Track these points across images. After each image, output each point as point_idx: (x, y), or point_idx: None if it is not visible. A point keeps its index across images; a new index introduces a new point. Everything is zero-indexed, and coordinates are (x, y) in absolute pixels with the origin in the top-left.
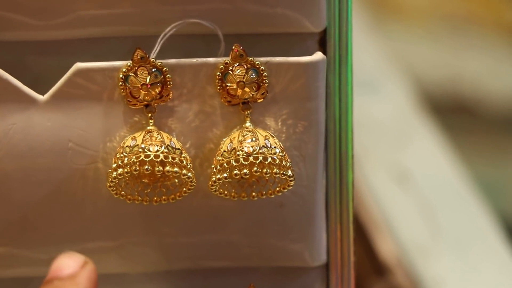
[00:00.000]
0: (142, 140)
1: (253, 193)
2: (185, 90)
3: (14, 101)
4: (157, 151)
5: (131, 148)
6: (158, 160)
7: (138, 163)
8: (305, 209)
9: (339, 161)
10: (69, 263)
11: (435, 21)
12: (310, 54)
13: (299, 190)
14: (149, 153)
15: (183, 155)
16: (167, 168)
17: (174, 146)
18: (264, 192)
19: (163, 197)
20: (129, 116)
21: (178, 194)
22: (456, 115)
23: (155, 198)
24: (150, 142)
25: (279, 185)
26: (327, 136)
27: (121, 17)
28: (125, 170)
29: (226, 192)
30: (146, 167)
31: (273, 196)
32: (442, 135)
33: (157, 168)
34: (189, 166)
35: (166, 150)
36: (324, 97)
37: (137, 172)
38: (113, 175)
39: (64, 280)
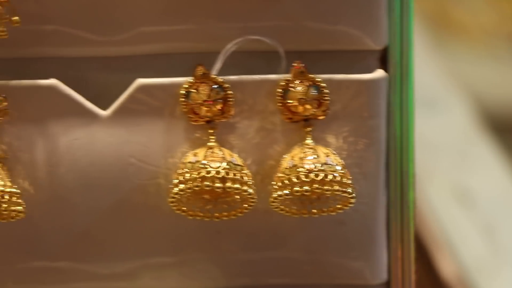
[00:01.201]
0: (204, 156)
1: (314, 210)
2: (246, 107)
3: (76, 116)
4: (218, 167)
5: (192, 164)
6: (219, 176)
7: (199, 179)
8: (366, 226)
9: (400, 180)
10: None
11: (498, 41)
12: (371, 71)
13: (359, 207)
14: (210, 169)
15: (244, 172)
16: (228, 184)
17: (235, 163)
18: (324, 210)
19: (224, 214)
20: (191, 132)
21: (239, 210)
22: None
23: (216, 214)
24: (211, 158)
25: (339, 202)
26: (389, 154)
27: (183, 34)
28: (187, 186)
29: (286, 209)
30: (207, 183)
31: (333, 213)
32: (503, 155)
33: (218, 185)
34: (250, 183)
35: (227, 167)
36: (385, 115)
37: (199, 188)
38: (175, 191)
39: None
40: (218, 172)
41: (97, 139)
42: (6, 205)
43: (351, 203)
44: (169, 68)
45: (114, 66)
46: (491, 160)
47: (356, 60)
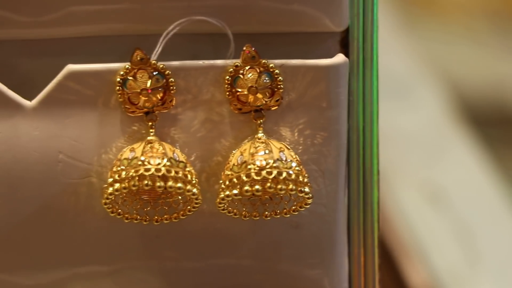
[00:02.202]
0: (142, 151)
1: (266, 212)
2: (190, 96)
3: None
4: (159, 164)
5: (129, 161)
6: (160, 174)
7: (137, 178)
8: (324, 230)
9: (362, 177)
10: None
11: (475, 19)
12: (331, 56)
13: (317, 209)
14: (149, 166)
15: (187, 169)
16: (170, 183)
17: (177, 159)
18: (278, 211)
19: (165, 216)
20: (127, 124)
21: (181, 212)
22: (498, 127)
23: (156, 217)
24: (150, 154)
25: (295, 203)
26: (350, 149)
27: (119, 14)
28: (123, 185)
29: (235, 211)
30: (146, 182)
31: (288, 215)
32: (481, 149)
33: (158, 184)
34: (194, 182)
35: (168, 164)
36: (346, 105)
37: (136, 187)
38: (109, 191)
39: None
40: (158, 170)
41: (21, 133)
42: None
43: (307, 204)
44: (103, 52)
45: (41, 51)
46: (467, 155)
47: (314, 43)
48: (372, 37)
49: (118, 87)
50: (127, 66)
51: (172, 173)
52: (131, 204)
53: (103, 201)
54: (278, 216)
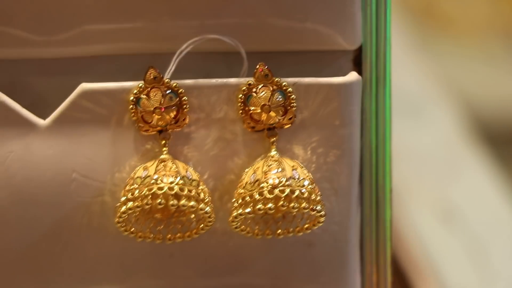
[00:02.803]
0: (155, 170)
1: (279, 231)
2: (203, 115)
3: (11, 126)
4: (172, 182)
5: (142, 179)
6: (173, 193)
7: (150, 196)
8: (337, 249)
9: (375, 196)
10: None
11: (489, 38)
12: (344, 74)
13: (330, 227)
14: (162, 185)
15: (200, 188)
16: (183, 202)
17: (190, 178)
18: (291, 230)
19: (178, 235)
20: (141, 143)
21: (194, 231)
22: (508, 146)
23: (169, 236)
24: (163, 173)
25: (307, 221)
26: (363, 167)
27: (132, 33)
28: (136, 204)
29: (248, 229)
30: (160, 200)
31: (301, 234)
32: (496, 168)
33: (171, 202)
34: (207, 200)
35: (181, 182)
36: (359, 123)
37: (149, 206)
38: (122, 210)
39: None
40: (171, 188)
41: (34, 151)
42: None
43: (320, 222)
44: (117, 71)
45: (54, 70)
46: (481, 173)
47: (327, 61)
48: (385, 55)
49: (131, 106)
50: (140, 84)
51: (185, 192)
52: (144, 223)
53: (116, 219)
54: (291, 235)
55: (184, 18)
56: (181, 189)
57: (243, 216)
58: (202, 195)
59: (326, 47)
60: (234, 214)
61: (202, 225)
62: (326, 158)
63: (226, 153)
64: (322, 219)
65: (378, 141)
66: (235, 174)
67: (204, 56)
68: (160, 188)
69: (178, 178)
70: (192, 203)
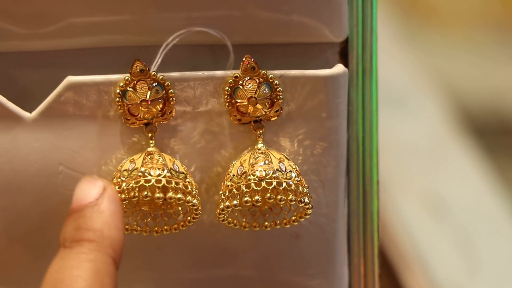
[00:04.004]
0: (142, 163)
1: (266, 223)
2: (190, 107)
3: None
4: (159, 175)
5: (129, 172)
6: (160, 185)
7: (137, 189)
8: (324, 240)
9: (362, 187)
10: (90, 191)
11: (476, 29)
12: (330, 66)
13: (317, 219)
14: (149, 177)
15: (187, 180)
16: (170, 194)
17: (177, 170)
18: (278, 222)
19: (165, 227)
20: (127, 136)
21: (181, 223)
22: (498, 137)
23: (156, 228)
24: (151, 165)
25: (295, 213)
26: (349, 159)
27: (118, 25)
28: (123, 196)
29: (235, 222)
30: (146, 193)
31: (288, 226)
32: (482, 159)
33: (158, 195)
34: (194, 192)
35: (168, 174)
36: (345, 115)
37: (136, 199)
38: None
39: (88, 209)
40: (158, 181)
41: (21, 144)
42: None
43: (307, 214)
44: (103, 64)
45: (40, 62)
46: (468, 164)
47: (313, 53)
48: (372, 47)
49: (117, 99)
50: (126, 77)
51: (172, 184)
52: (131, 215)
53: None
54: (278, 227)
55: (170, 10)
56: (168, 182)
57: (230, 209)
58: (189, 188)
59: (313, 39)
60: (221, 206)
61: (189, 217)
62: (313, 150)
63: (212, 146)
64: (309, 211)
65: (365, 133)
66: (222, 167)
67: (191, 49)
68: (148, 181)
69: (165, 170)
70: (179, 195)
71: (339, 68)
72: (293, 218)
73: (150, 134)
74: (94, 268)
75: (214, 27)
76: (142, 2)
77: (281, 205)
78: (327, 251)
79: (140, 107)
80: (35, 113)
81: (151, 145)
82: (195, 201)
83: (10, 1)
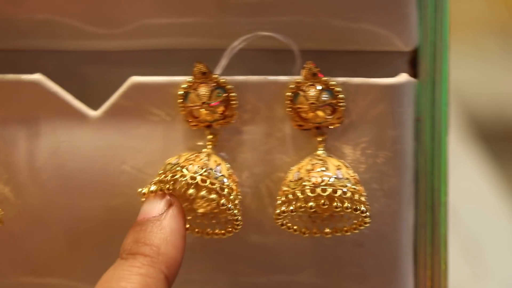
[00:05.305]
0: (185, 159)
1: (326, 230)
2: (252, 111)
3: (63, 116)
4: (195, 172)
5: (172, 166)
6: (194, 182)
7: (172, 182)
8: (387, 250)
9: (431, 199)
10: (156, 205)
11: (481, 35)
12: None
13: (380, 228)
14: (186, 173)
15: (226, 183)
16: (203, 193)
17: (219, 172)
18: (338, 229)
19: (216, 231)
20: (190, 137)
21: (229, 229)
22: (505, 142)
23: (208, 230)
24: (191, 162)
25: (355, 222)
26: (418, 169)
27: (187, 28)
28: (159, 187)
29: (296, 227)
30: (179, 187)
31: (348, 233)
32: (488, 164)
33: (190, 191)
34: (231, 197)
35: (206, 174)
36: (410, 125)
37: (170, 191)
38: (145, 191)
39: (149, 224)
40: (193, 178)
41: (85, 142)
42: None
43: (366, 223)
44: (171, 65)
45: (110, 61)
46: (474, 170)
47: (383, 62)
48: (442, 57)
49: (180, 100)
50: (189, 79)
51: (207, 183)
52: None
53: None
54: (339, 234)
55: (240, 14)
56: (203, 181)
57: (286, 214)
58: (226, 191)
59: (382, 47)
60: (277, 211)
61: (230, 227)
62: (375, 159)
63: (274, 151)
64: (367, 220)
65: (434, 144)
66: (284, 172)
67: (257, 53)
68: (183, 176)
69: (204, 169)
70: (212, 195)
71: (403, 77)
72: (353, 226)
73: (210, 137)
74: (143, 282)
75: (283, 32)
76: (213, 5)
77: (341, 213)
78: (391, 261)
79: (201, 109)
80: (100, 111)
81: (209, 147)
82: (230, 205)
83: (86, 3)
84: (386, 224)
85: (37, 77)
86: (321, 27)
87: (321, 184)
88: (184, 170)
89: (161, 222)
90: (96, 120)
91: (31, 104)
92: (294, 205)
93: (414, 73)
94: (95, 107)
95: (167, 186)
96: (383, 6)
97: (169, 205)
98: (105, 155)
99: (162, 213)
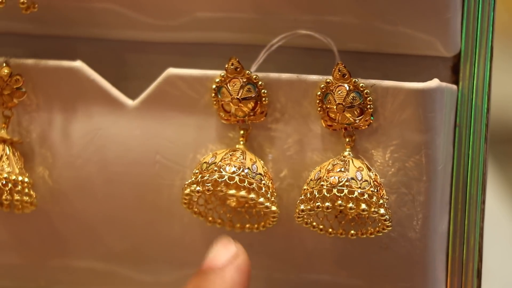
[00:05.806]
0: (222, 158)
1: (352, 231)
2: (283, 109)
3: (101, 104)
4: (233, 172)
5: (208, 165)
6: (232, 182)
7: (211, 183)
8: (415, 255)
9: (467, 206)
10: (222, 254)
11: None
12: (441, 81)
13: (408, 232)
14: (224, 173)
15: (263, 182)
16: (242, 193)
17: (255, 171)
18: (363, 231)
19: (247, 225)
20: (222, 131)
21: (262, 224)
22: (505, 145)
23: (238, 225)
24: (228, 162)
25: (379, 224)
26: (454, 177)
27: (235, 22)
28: (198, 188)
29: (320, 226)
30: (220, 188)
31: (373, 236)
32: (489, 167)
33: (230, 192)
34: (269, 195)
35: (243, 173)
36: (440, 131)
37: (210, 192)
38: (186, 192)
39: (213, 274)
40: (231, 178)
41: (121, 130)
42: (13, 195)
43: (387, 226)
44: (219, 58)
45: (156, 52)
46: None
47: (425, 66)
48: (485, 65)
49: (213, 94)
50: (222, 74)
51: (245, 183)
52: (215, 208)
53: (182, 200)
54: (364, 236)
55: (290, 12)
56: (241, 180)
57: (305, 212)
58: (263, 189)
59: (424, 52)
60: (297, 209)
61: (268, 221)
62: (404, 163)
63: (304, 150)
64: (387, 223)
65: (473, 152)
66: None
67: (296, 51)
68: (221, 176)
69: (241, 169)
70: (251, 195)
71: (434, 82)
72: (377, 229)
73: (241, 132)
74: None
75: (325, 32)
76: (260, 1)
77: (351, 215)
78: (418, 266)
79: (231, 104)
80: (137, 101)
81: (241, 142)
82: (268, 203)
83: None
84: (413, 228)
85: (77, 64)
86: (363, 29)
87: (338, 184)
88: (221, 170)
89: (224, 274)
90: (133, 109)
91: (71, 90)
92: (311, 204)
93: (455, 79)
94: (133, 96)
95: (207, 187)
96: (424, 10)
97: (236, 256)
98: (140, 145)
99: (228, 264)
